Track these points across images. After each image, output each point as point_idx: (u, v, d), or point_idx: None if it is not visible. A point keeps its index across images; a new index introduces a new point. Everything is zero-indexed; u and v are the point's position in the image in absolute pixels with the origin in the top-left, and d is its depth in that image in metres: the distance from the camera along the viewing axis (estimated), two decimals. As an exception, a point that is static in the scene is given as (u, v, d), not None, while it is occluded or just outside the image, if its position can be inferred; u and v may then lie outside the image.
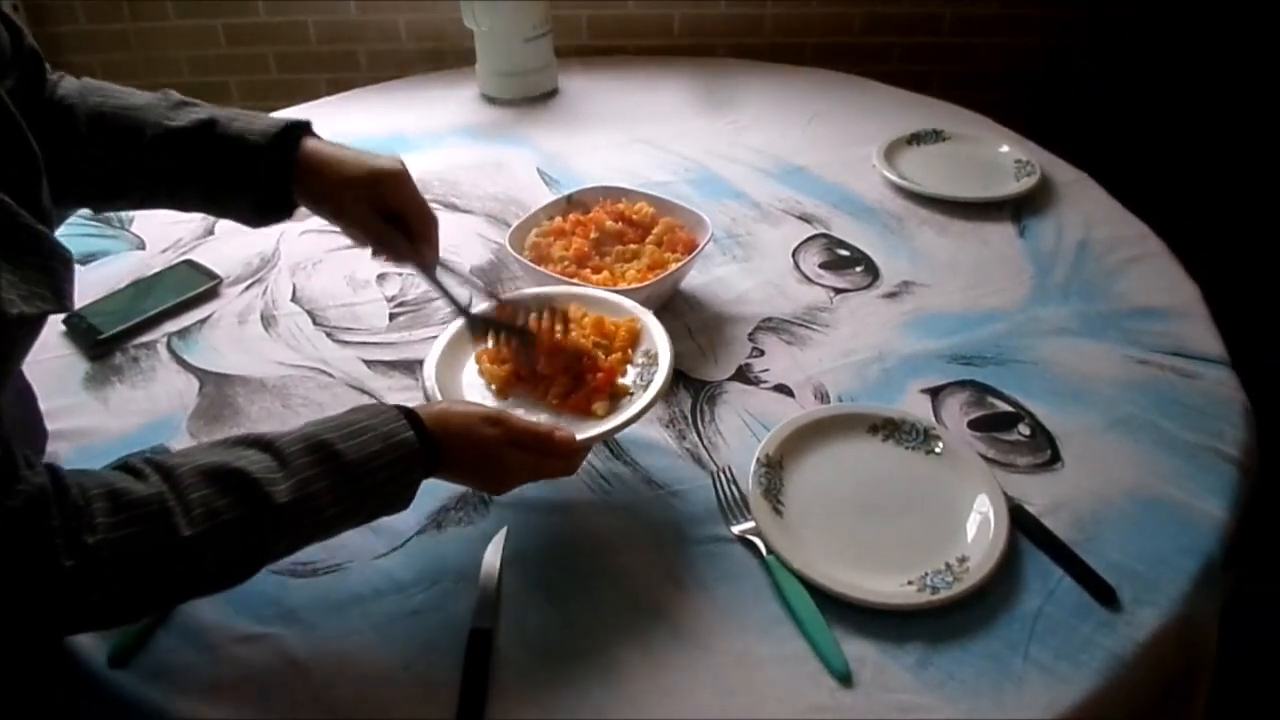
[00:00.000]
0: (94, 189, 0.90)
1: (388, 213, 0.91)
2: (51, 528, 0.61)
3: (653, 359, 0.93)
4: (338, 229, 0.94)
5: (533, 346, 0.93)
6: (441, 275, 0.97)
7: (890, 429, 0.95)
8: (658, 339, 0.95)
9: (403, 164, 0.93)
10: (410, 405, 0.78)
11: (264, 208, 0.92)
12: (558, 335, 0.93)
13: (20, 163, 0.67)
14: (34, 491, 0.61)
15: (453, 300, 0.97)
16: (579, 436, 0.84)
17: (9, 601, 0.61)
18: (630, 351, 0.95)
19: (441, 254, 0.97)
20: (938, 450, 0.93)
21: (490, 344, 0.95)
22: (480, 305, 0.99)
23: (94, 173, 0.87)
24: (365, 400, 1.04)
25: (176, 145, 0.87)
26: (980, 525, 0.86)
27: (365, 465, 0.72)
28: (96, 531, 0.62)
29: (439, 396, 0.89)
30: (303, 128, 0.91)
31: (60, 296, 0.64)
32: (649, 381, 0.90)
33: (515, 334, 0.94)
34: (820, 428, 0.96)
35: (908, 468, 0.93)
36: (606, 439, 0.92)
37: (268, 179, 0.89)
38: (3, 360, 0.63)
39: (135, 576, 0.64)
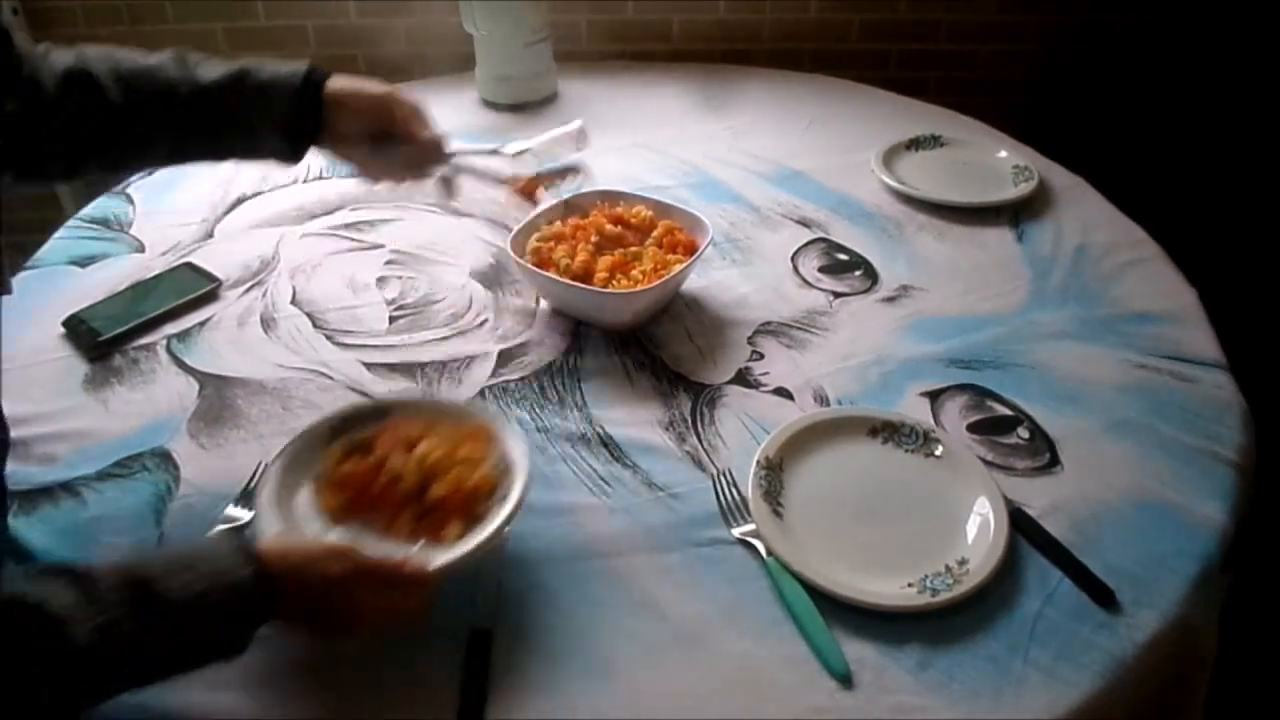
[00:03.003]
0: (120, 150, 0.94)
1: (392, 136, 1.02)
2: None
3: (507, 467, 0.84)
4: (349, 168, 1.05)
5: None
6: (461, 157, 1.09)
7: (890, 432, 0.96)
8: (512, 443, 0.86)
9: (394, 88, 1.03)
10: (247, 542, 0.72)
11: (296, 143, 0.99)
12: (394, 465, 0.83)
13: None
14: None
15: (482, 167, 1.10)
16: (432, 565, 0.76)
17: None
18: (483, 461, 0.85)
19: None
20: (937, 453, 0.94)
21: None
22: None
23: (125, 134, 0.92)
24: (360, 400, 1.04)
25: (212, 98, 0.93)
26: (980, 527, 0.87)
27: (188, 607, 0.64)
28: None
29: (276, 524, 0.80)
30: (316, 69, 0.98)
31: None
32: (505, 493, 0.82)
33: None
34: (820, 430, 0.96)
35: (907, 470, 0.93)
36: (462, 564, 0.78)
37: (302, 115, 0.97)
38: None
39: None
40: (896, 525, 0.88)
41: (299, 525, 0.81)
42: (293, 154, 1.00)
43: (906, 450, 0.95)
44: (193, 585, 0.65)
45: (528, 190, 1.14)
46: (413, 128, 1.03)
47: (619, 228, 1.17)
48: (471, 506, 0.81)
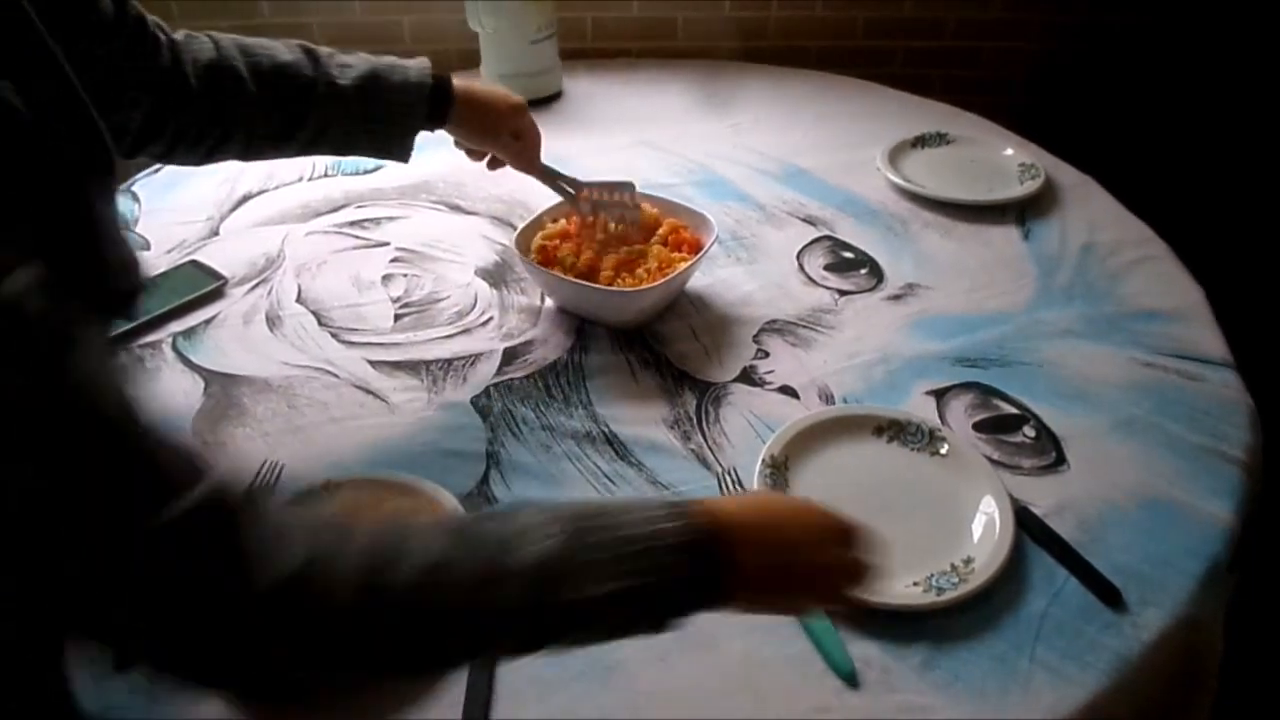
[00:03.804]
0: (257, 141, 0.97)
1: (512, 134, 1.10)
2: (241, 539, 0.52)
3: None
4: (463, 147, 1.11)
5: (635, 221, 1.14)
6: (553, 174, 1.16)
7: (895, 430, 0.96)
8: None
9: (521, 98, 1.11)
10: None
11: (411, 146, 1.04)
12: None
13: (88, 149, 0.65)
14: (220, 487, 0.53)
15: (561, 186, 1.16)
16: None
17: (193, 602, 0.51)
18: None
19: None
20: (943, 451, 0.94)
21: (593, 218, 1.14)
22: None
23: (262, 128, 0.95)
24: (369, 400, 1.04)
25: (346, 100, 0.97)
26: (985, 526, 0.86)
27: (625, 544, 0.59)
28: (293, 559, 0.52)
29: None
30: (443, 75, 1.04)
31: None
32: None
33: (618, 208, 1.14)
34: (825, 429, 0.96)
35: (913, 469, 0.93)
36: None
37: (430, 119, 1.03)
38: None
39: (324, 627, 0.54)
40: (902, 524, 0.87)
41: None
42: (405, 156, 1.04)
43: (912, 449, 0.95)
44: (631, 527, 0.59)
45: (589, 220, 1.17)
46: (521, 128, 1.10)
47: (623, 226, 1.17)
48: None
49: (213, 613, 0.51)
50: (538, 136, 1.13)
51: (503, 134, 1.10)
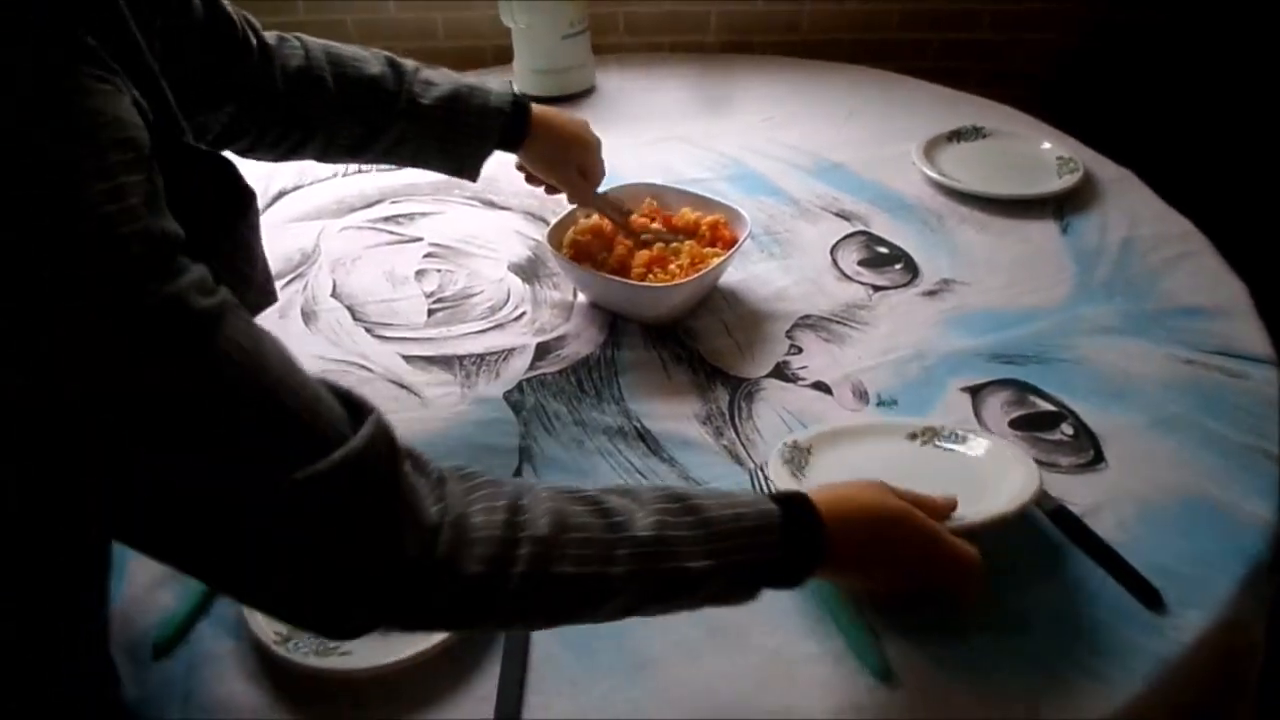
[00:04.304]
0: (338, 146, 1.00)
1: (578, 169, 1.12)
2: (406, 478, 0.57)
3: None
4: (524, 171, 1.13)
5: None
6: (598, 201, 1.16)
7: (929, 435, 0.94)
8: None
9: (595, 135, 1.14)
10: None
11: (477, 170, 1.07)
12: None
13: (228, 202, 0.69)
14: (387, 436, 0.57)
15: (615, 218, 1.16)
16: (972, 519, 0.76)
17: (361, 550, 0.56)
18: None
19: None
20: (979, 453, 0.91)
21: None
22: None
23: (344, 135, 0.98)
24: (403, 394, 1.04)
25: (428, 118, 0.99)
26: (1006, 498, 0.82)
27: (725, 523, 0.64)
28: (455, 504, 0.58)
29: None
30: (521, 98, 1.06)
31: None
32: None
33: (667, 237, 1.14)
34: (855, 431, 0.95)
35: (943, 464, 0.91)
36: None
37: (505, 143, 1.06)
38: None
39: (482, 569, 0.58)
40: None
41: None
42: (475, 175, 1.07)
43: (945, 449, 0.92)
44: (730, 505, 0.66)
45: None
46: (588, 166, 1.12)
47: (658, 223, 1.17)
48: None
49: (359, 569, 0.56)
50: (601, 176, 1.15)
51: (570, 168, 1.11)
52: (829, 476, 0.85)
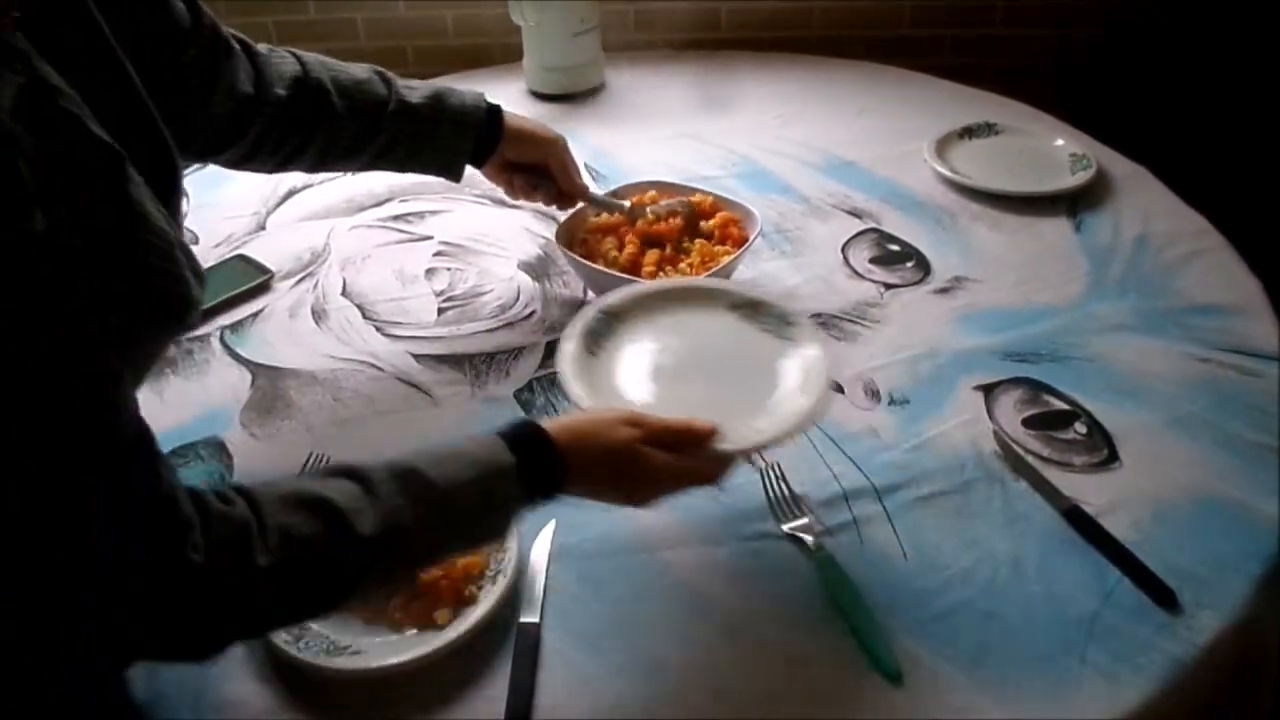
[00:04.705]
0: (334, 154, 1.04)
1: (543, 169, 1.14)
2: (181, 521, 0.58)
3: (499, 543, 0.83)
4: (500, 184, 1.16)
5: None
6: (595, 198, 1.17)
7: (750, 309, 0.91)
8: None
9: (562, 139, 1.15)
10: (543, 421, 0.74)
11: (462, 167, 1.11)
12: None
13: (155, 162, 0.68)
14: (171, 489, 0.59)
15: (611, 208, 1.17)
16: (721, 445, 0.77)
17: (140, 588, 0.58)
18: None
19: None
20: (790, 336, 0.88)
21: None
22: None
23: (342, 141, 1.02)
24: (413, 393, 1.04)
25: (415, 119, 1.04)
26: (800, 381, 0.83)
27: (455, 493, 0.68)
28: (198, 551, 0.58)
29: (583, 398, 0.82)
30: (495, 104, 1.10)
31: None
32: (497, 570, 0.81)
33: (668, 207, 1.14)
34: (678, 295, 0.93)
35: (751, 343, 0.88)
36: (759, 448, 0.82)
37: (482, 145, 1.09)
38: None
39: (217, 603, 0.60)
40: (714, 386, 0.84)
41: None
42: (460, 173, 1.11)
43: (761, 329, 0.90)
44: (460, 474, 0.68)
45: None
46: (567, 172, 1.14)
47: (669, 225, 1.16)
48: (461, 588, 0.80)
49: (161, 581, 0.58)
50: (578, 171, 1.17)
51: (556, 158, 1.14)
52: (633, 348, 0.88)
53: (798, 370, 0.85)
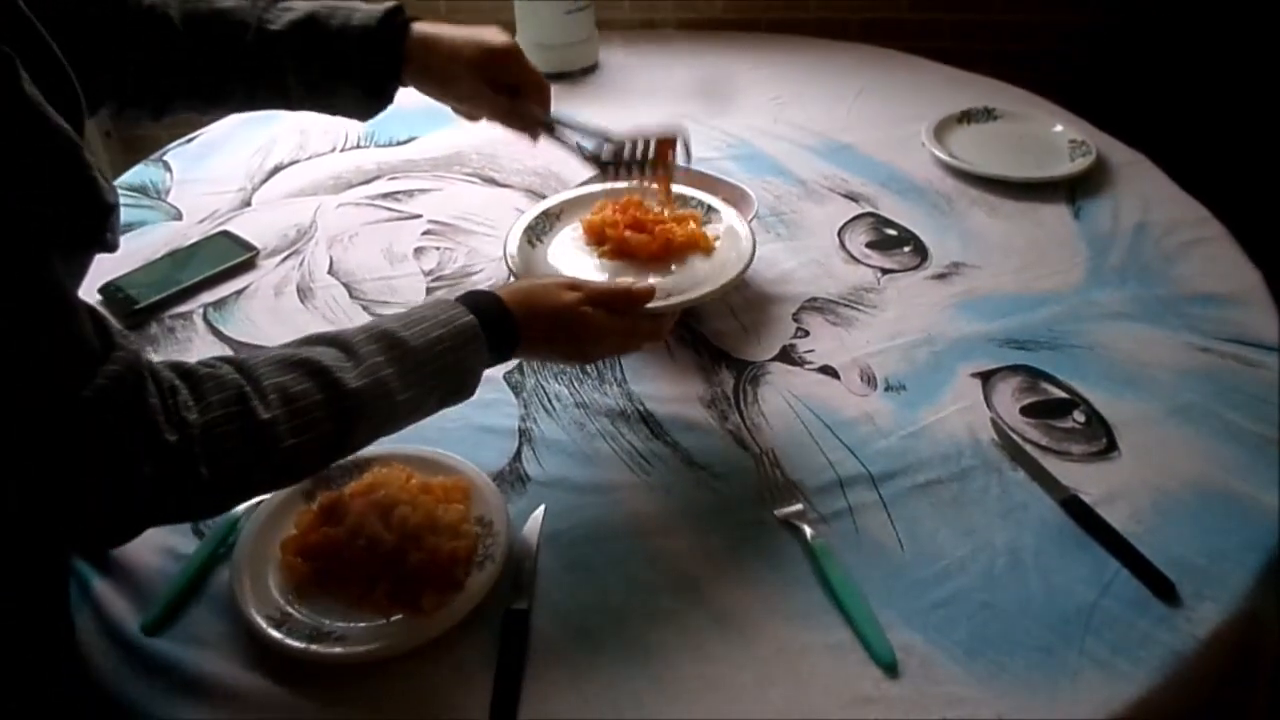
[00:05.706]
0: (196, 93, 0.92)
1: (501, 87, 0.96)
2: (150, 403, 0.60)
3: (488, 527, 0.82)
4: (448, 106, 1.00)
5: (667, 179, 1.03)
6: (562, 132, 1.00)
7: (680, 202, 1.05)
8: (489, 498, 0.85)
9: (512, 38, 0.97)
10: (489, 287, 0.79)
11: (371, 97, 0.95)
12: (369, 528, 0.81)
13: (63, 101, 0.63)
14: (131, 359, 0.60)
15: (581, 151, 1.01)
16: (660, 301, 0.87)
17: (111, 477, 0.59)
18: (465, 519, 0.83)
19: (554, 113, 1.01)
20: (713, 220, 1.03)
21: (625, 183, 1.03)
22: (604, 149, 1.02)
23: (196, 78, 0.91)
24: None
25: (278, 46, 0.90)
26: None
27: (428, 350, 0.73)
28: (191, 410, 0.62)
29: (521, 268, 0.91)
30: (400, 12, 0.94)
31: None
32: (485, 556, 0.80)
33: (646, 166, 1.02)
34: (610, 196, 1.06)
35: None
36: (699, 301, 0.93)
37: (376, 68, 0.93)
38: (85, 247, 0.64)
39: (224, 459, 0.63)
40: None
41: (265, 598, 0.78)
42: (366, 110, 0.96)
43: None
44: (429, 332, 0.74)
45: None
46: (524, 80, 0.97)
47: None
48: (450, 573, 0.78)
49: (132, 467, 0.59)
50: (543, 87, 0.99)
51: (477, 84, 0.94)
52: (567, 242, 1.02)
53: (724, 237, 1.00)
